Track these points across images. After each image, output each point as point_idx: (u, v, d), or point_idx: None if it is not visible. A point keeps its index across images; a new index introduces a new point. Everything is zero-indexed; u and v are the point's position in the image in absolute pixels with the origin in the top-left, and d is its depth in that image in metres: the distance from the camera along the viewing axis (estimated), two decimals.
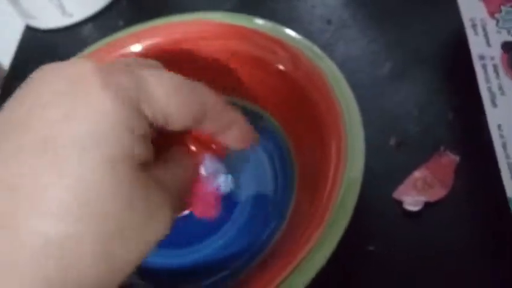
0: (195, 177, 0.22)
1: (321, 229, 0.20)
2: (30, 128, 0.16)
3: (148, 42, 0.31)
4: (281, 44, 0.28)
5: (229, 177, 0.24)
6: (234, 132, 0.22)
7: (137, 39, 0.31)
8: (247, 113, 0.31)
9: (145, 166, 0.17)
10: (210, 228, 0.27)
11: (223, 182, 0.24)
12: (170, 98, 0.18)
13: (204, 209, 0.23)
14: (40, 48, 0.46)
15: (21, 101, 0.17)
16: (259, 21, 0.30)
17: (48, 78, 0.17)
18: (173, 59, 0.31)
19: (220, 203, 0.23)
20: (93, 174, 0.15)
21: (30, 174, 0.15)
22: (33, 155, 0.15)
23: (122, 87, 0.17)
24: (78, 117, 0.16)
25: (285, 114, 0.29)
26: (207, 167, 0.23)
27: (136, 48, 0.31)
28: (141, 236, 0.16)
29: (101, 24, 0.46)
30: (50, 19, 0.46)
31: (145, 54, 0.31)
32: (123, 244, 0.16)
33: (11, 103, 0.17)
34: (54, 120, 0.16)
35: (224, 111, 0.21)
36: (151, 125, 0.18)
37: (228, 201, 0.28)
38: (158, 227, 0.17)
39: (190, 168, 0.21)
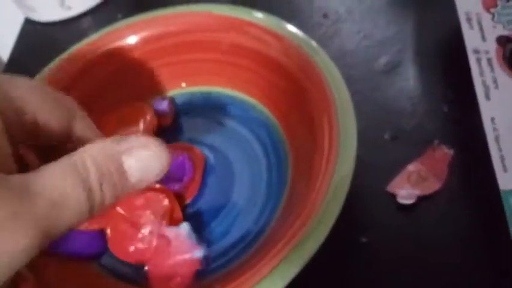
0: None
1: (311, 221, 0.20)
2: None
3: (146, 34, 0.31)
4: (277, 36, 0.28)
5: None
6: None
7: (134, 31, 0.31)
8: (241, 102, 0.31)
9: None
10: (206, 217, 0.27)
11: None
12: (44, 101, 0.18)
13: None
14: (39, 41, 0.46)
15: None
16: (257, 14, 0.30)
17: None
18: (170, 51, 0.32)
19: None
20: None
21: None
22: None
23: None
24: None
25: (278, 105, 0.29)
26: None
27: (134, 39, 0.31)
28: None
29: (99, 17, 0.46)
30: (49, 12, 0.46)
31: (142, 46, 0.32)
32: None
33: None
34: None
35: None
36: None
37: (223, 192, 0.28)
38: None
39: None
